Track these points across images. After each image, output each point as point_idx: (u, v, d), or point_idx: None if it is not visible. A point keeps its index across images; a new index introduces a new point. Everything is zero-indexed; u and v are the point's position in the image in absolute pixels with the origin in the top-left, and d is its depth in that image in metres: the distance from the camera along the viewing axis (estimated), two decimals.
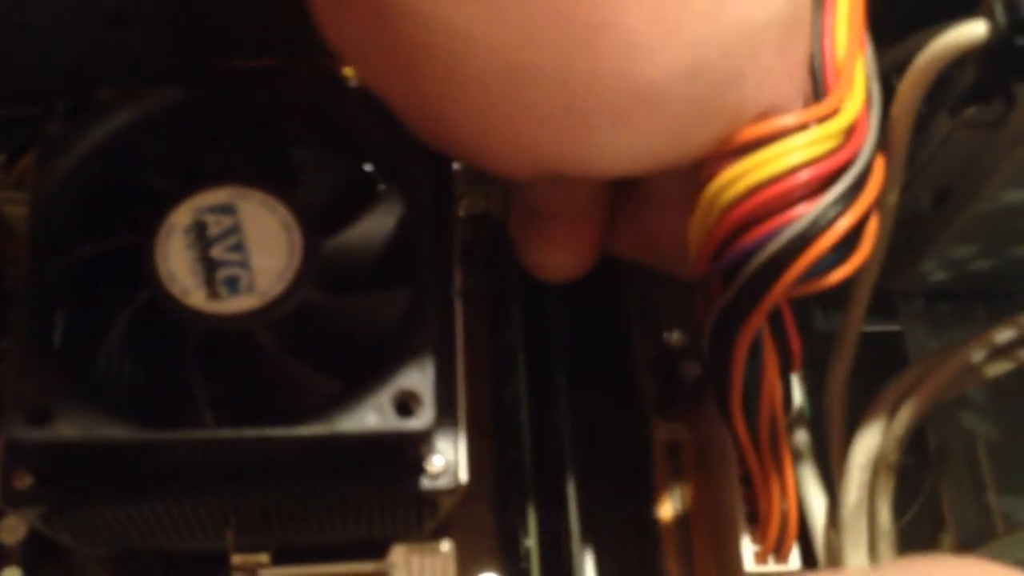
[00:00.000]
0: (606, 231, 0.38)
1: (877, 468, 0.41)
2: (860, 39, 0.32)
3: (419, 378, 0.33)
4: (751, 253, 0.31)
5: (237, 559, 0.38)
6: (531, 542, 0.42)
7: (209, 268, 0.33)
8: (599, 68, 0.28)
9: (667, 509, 0.43)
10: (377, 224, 0.35)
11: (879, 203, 0.34)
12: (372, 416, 0.32)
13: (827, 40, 0.31)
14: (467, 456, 0.35)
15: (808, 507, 0.42)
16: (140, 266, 0.33)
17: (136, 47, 0.41)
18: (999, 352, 0.42)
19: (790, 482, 0.38)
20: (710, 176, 0.32)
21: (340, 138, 0.36)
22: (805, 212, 0.31)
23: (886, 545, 0.40)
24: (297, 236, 0.34)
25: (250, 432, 0.32)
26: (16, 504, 0.33)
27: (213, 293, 0.33)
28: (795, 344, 0.35)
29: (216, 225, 0.34)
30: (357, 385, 0.33)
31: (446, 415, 0.34)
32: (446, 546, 0.40)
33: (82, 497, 0.33)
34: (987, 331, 0.41)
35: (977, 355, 0.41)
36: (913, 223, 0.43)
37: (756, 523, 0.40)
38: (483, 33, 0.28)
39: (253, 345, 0.33)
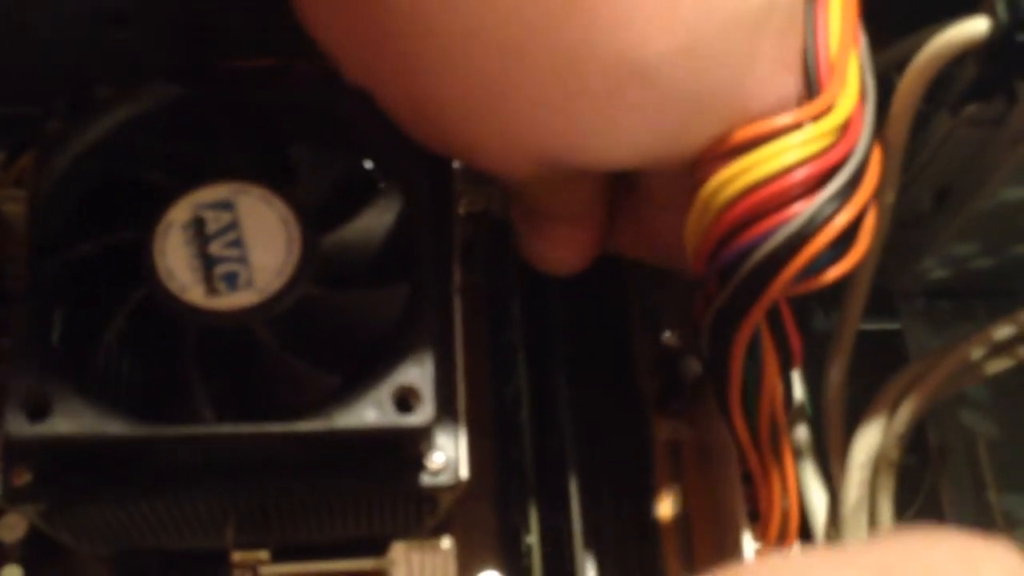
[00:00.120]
0: (606, 229, 0.38)
1: (878, 466, 0.41)
2: (853, 35, 0.32)
3: (418, 374, 0.33)
4: (748, 252, 0.32)
5: (237, 556, 0.38)
6: (532, 539, 0.42)
7: (208, 264, 0.33)
8: (593, 40, 0.28)
9: (668, 507, 0.43)
10: (376, 221, 0.35)
11: (876, 201, 0.34)
12: (372, 412, 0.32)
13: (820, 36, 0.31)
14: (467, 453, 0.35)
15: (809, 505, 0.42)
16: (139, 263, 0.33)
17: (136, 46, 0.41)
18: (999, 350, 0.42)
19: (791, 480, 0.38)
20: (705, 176, 0.32)
21: (339, 135, 0.36)
22: (801, 210, 0.31)
23: None
24: (296, 232, 0.34)
25: (249, 428, 0.32)
26: (15, 501, 0.33)
27: (212, 289, 0.33)
28: (795, 342, 0.35)
29: (215, 221, 0.34)
30: (356, 381, 0.33)
31: (446, 412, 0.34)
32: (446, 543, 0.40)
33: (81, 494, 0.33)
34: (987, 329, 0.41)
35: (977, 353, 0.41)
36: (913, 221, 0.43)
37: (757, 521, 0.40)
38: (478, 7, 0.28)
39: (252, 341, 0.33)
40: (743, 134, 0.31)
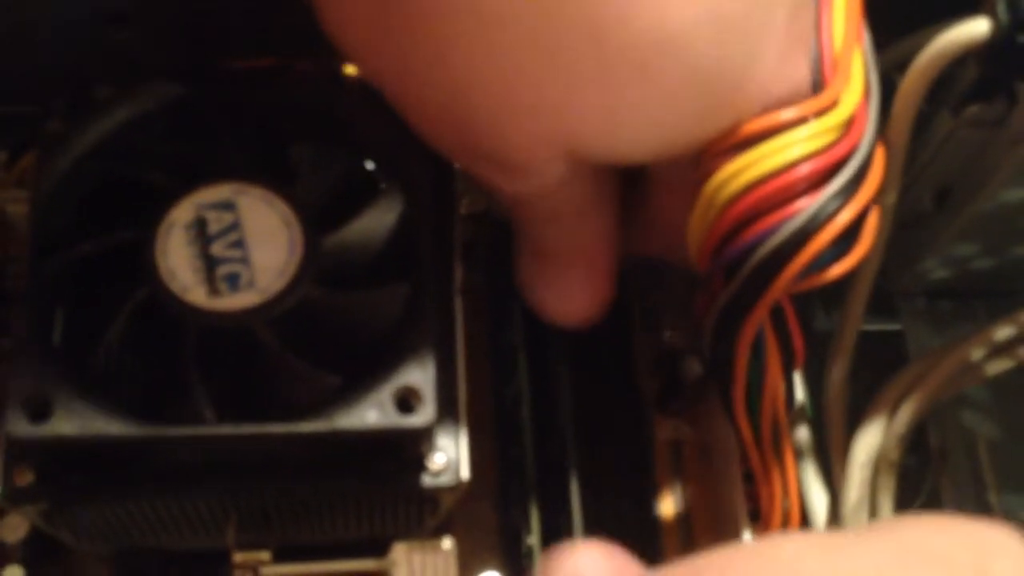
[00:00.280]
0: (615, 274, 0.38)
1: (878, 466, 0.41)
2: (857, 31, 0.32)
3: (420, 375, 0.33)
4: (752, 248, 0.32)
5: (238, 557, 0.38)
6: (533, 540, 0.42)
7: (209, 265, 0.33)
8: (622, 13, 0.28)
9: (669, 507, 0.43)
10: (377, 221, 0.35)
11: (879, 201, 0.34)
12: (373, 413, 0.32)
13: (824, 32, 0.31)
14: (468, 453, 0.35)
15: (810, 505, 0.42)
16: (140, 263, 0.33)
17: (136, 46, 0.41)
18: (1000, 350, 0.42)
19: (792, 479, 0.38)
20: (710, 172, 0.32)
21: (341, 135, 0.36)
22: (806, 206, 0.31)
23: None
24: (297, 233, 0.34)
25: (250, 429, 0.32)
26: (17, 501, 0.33)
27: (213, 290, 0.33)
28: (797, 341, 0.35)
29: (216, 222, 0.34)
30: (358, 382, 0.33)
31: (447, 412, 0.34)
32: (447, 544, 0.40)
33: (83, 494, 0.33)
34: (988, 329, 0.41)
35: (978, 353, 0.41)
36: (914, 222, 0.43)
37: (758, 520, 0.40)
38: None
39: (253, 342, 0.33)
40: (748, 128, 0.31)
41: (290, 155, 0.36)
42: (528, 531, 0.42)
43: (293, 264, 0.33)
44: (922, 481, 0.44)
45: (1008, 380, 0.42)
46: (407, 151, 0.35)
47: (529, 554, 0.41)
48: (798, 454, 0.42)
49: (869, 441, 0.41)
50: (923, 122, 0.38)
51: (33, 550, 0.39)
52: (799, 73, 0.31)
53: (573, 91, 0.30)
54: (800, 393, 0.43)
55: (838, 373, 0.41)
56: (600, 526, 0.42)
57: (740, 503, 0.41)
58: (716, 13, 0.29)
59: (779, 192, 0.31)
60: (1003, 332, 0.41)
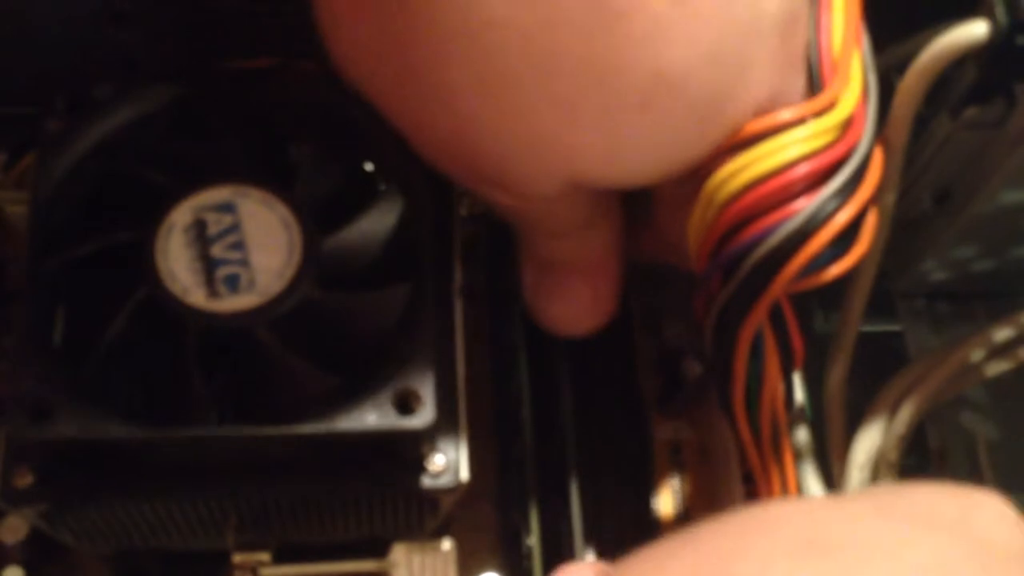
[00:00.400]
0: (620, 284, 0.38)
1: (878, 467, 0.41)
2: (856, 32, 0.32)
3: (419, 376, 0.33)
4: (751, 248, 0.32)
5: (238, 558, 0.38)
6: (533, 541, 0.42)
7: (209, 266, 0.33)
8: (625, 52, 0.29)
9: (669, 507, 0.43)
10: (377, 222, 0.35)
11: (877, 202, 0.34)
12: (372, 414, 0.32)
13: (823, 34, 0.32)
14: (468, 454, 0.35)
15: None
16: (140, 264, 0.33)
17: (136, 47, 0.41)
18: (999, 351, 0.42)
19: (791, 480, 0.38)
20: (708, 172, 0.32)
21: (340, 136, 0.36)
22: (804, 206, 0.31)
23: None
24: (297, 234, 0.34)
25: (250, 430, 0.32)
26: (16, 502, 0.33)
27: (213, 291, 0.33)
28: (797, 342, 0.35)
29: (216, 223, 0.34)
30: (357, 383, 0.33)
31: (447, 413, 0.34)
32: (447, 545, 0.40)
33: (83, 495, 0.33)
34: (987, 330, 0.41)
35: (977, 354, 0.41)
36: (913, 223, 0.43)
37: None
38: (516, 19, 0.28)
39: (253, 343, 0.33)
40: (746, 129, 0.31)
41: (290, 156, 0.36)
42: (528, 532, 0.42)
43: (293, 266, 0.33)
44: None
45: (1007, 381, 0.42)
46: (407, 152, 0.35)
47: (529, 555, 0.41)
48: (797, 455, 0.42)
49: (868, 442, 0.41)
50: (922, 124, 0.38)
51: (33, 551, 0.39)
52: (795, 89, 0.32)
53: (576, 129, 0.31)
54: (799, 394, 0.43)
55: (838, 374, 0.41)
56: (600, 527, 0.42)
57: (740, 503, 0.41)
58: (713, 50, 0.29)
59: (777, 192, 0.31)
60: (1002, 333, 0.41)
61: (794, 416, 0.42)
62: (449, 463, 0.34)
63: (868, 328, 0.41)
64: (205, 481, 0.34)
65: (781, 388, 0.36)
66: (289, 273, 0.33)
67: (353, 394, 0.32)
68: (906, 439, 0.41)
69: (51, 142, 0.35)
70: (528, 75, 0.29)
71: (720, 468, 0.43)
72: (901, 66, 0.36)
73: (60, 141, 0.35)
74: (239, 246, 0.33)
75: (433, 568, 0.39)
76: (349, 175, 0.36)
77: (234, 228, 0.34)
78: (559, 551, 0.42)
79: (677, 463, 0.44)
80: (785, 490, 0.38)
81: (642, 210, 0.37)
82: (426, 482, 0.34)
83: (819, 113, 0.31)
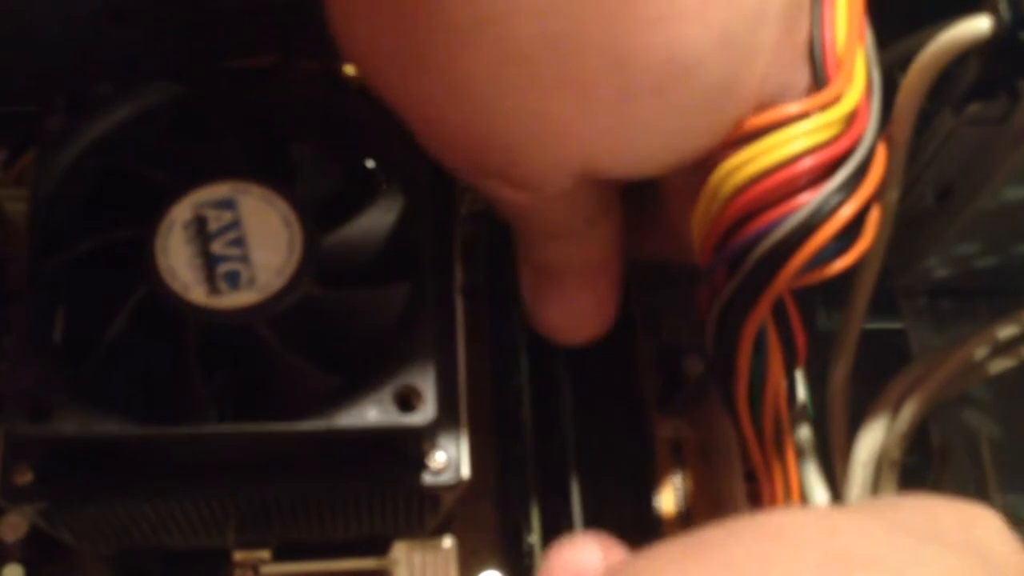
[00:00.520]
0: (620, 289, 0.38)
1: (880, 465, 0.40)
2: (860, 27, 0.32)
3: (420, 373, 0.33)
4: (755, 242, 0.32)
5: (238, 556, 0.38)
6: (534, 539, 0.42)
7: (209, 263, 0.33)
8: (640, 35, 0.29)
9: (670, 505, 0.43)
10: (378, 220, 0.35)
11: (881, 199, 0.34)
12: (373, 411, 0.32)
13: (827, 28, 0.32)
14: (469, 452, 0.35)
15: (812, 503, 0.41)
16: (140, 261, 0.33)
17: (137, 45, 0.41)
18: (1002, 349, 0.42)
19: (794, 478, 0.38)
20: (713, 165, 0.32)
21: (341, 134, 0.36)
22: (808, 200, 0.31)
23: None
24: (297, 231, 0.34)
25: (250, 428, 0.32)
26: (16, 500, 0.33)
27: (213, 288, 0.33)
28: (800, 339, 0.35)
29: (216, 220, 0.34)
30: (358, 380, 0.33)
31: (447, 411, 0.34)
32: (448, 543, 0.40)
33: (82, 493, 0.33)
34: (990, 328, 0.41)
35: (980, 352, 0.41)
36: (916, 220, 0.43)
37: None
38: (535, 2, 0.28)
39: (254, 340, 0.32)
40: (751, 123, 0.31)
41: (290, 153, 0.36)
42: (529, 530, 0.42)
43: (293, 263, 0.33)
44: (924, 480, 0.44)
45: (1010, 379, 0.42)
46: (408, 150, 0.35)
47: (530, 553, 0.41)
48: (800, 453, 0.42)
49: (871, 440, 0.41)
50: (925, 120, 0.38)
51: (33, 549, 0.39)
52: (800, 83, 0.32)
53: (590, 116, 0.31)
54: (802, 391, 0.43)
55: (840, 372, 0.41)
56: (600, 525, 0.42)
57: (741, 502, 0.41)
58: (724, 34, 0.29)
59: (782, 186, 0.31)
60: (1005, 331, 0.41)
61: (796, 414, 0.42)
62: (450, 460, 0.34)
63: (870, 326, 0.41)
64: (205, 479, 0.34)
65: (784, 385, 0.36)
66: (289, 270, 0.33)
67: (354, 391, 0.32)
68: (909, 437, 0.41)
69: (51, 140, 0.35)
70: (543, 61, 0.29)
71: (721, 467, 0.43)
72: (904, 62, 0.35)
73: (60, 139, 0.35)
74: (239, 243, 0.33)
75: (434, 566, 0.39)
76: (349, 173, 0.36)
77: (234, 225, 0.34)
78: None
79: (678, 461, 0.44)
80: (787, 488, 0.38)
81: (645, 205, 0.37)
82: (427, 479, 0.34)
83: (823, 107, 0.31)
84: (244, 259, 0.33)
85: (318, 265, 0.33)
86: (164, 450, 0.33)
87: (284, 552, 0.38)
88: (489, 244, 0.44)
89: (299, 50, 0.39)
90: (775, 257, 0.31)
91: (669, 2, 0.28)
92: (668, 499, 0.43)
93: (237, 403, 0.32)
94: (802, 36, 0.32)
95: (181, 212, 0.34)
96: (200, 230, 0.33)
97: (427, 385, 0.33)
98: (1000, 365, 0.42)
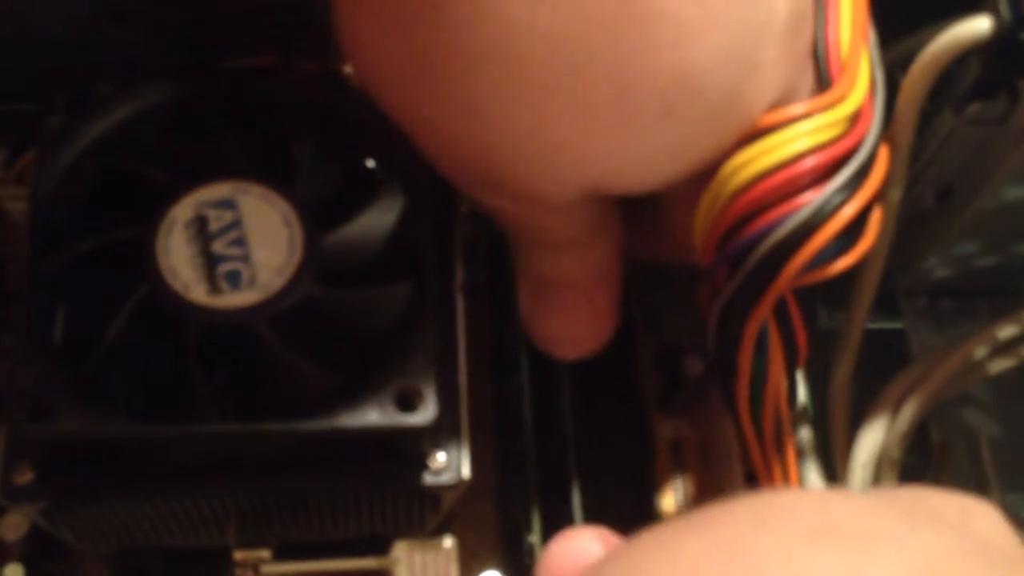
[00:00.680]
0: (619, 301, 0.38)
1: (880, 465, 0.40)
2: (864, 28, 0.32)
3: (421, 373, 0.33)
4: (757, 241, 0.32)
5: (239, 555, 0.38)
6: (534, 539, 0.42)
7: (210, 263, 0.33)
8: (649, 57, 0.29)
9: (670, 505, 0.43)
10: (378, 219, 0.35)
11: (883, 199, 0.34)
12: (374, 411, 0.32)
13: (831, 29, 0.32)
14: (470, 452, 0.35)
15: None
16: (141, 261, 0.33)
17: (136, 44, 0.41)
18: (1002, 349, 0.41)
19: (794, 478, 0.38)
20: (715, 169, 0.32)
21: (341, 133, 0.36)
22: (810, 199, 0.31)
23: None
24: (298, 231, 0.34)
25: (251, 427, 0.32)
26: (16, 499, 0.32)
27: (214, 288, 0.33)
28: (801, 338, 0.35)
29: (217, 220, 0.34)
30: (359, 380, 0.33)
31: (448, 410, 0.34)
32: (448, 542, 0.40)
33: (83, 493, 0.33)
34: (990, 327, 0.41)
35: (980, 352, 0.41)
36: (916, 220, 0.43)
37: None
38: (546, 28, 0.28)
39: (254, 340, 0.32)
40: (756, 124, 0.31)
41: (291, 153, 0.36)
42: (529, 530, 0.42)
43: (294, 262, 0.33)
44: (924, 480, 0.44)
45: (1010, 379, 0.42)
46: (408, 149, 0.35)
47: (530, 553, 0.41)
48: (800, 453, 0.42)
49: (871, 440, 0.41)
50: (925, 120, 0.38)
51: (33, 548, 0.39)
52: (804, 86, 0.32)
53: (597, 135, 0.31)
54: (802, 391, 0.43)
55: (842, 372, 0.41)
56: (601, 525, 0.42)
57: None
58: (730, 52, 0.30)
59: (784, 185, 0.31)
60: (1005, 331, 0.41)
61: (797, 414, 0.42)
62: (451, 460, 0.34)
63: (871, 326, 0.41)
64: (206, 479, 0.34)
65: (785, 385, 0.36)
66: (290, 270, 0.33)
67: (355, 391, 0.32)
68: (909, 437, 0.41)
69: (51, 140, 0.35)
70: (553, 84, 0.29)
71: (721, 467, 0.43)
72: (905, 62, 0.35)
73: (60, 139, 0.35)
74: (240, 242, 0.33)
75: (435, 566, 0.39)
76: (350, 172, 0.36)
77: (235, 224, 0.34)
78: None
79: (678, 461, 0.44)
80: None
81: (643, 207, 0.37)
82: (428, 479, 0.34)
83: (827, 108, 0.31)
84: (245, 259, 0.33)
85: (319, 265, 0.33)
86: (164, 449, 0.33)
87: (285, 551, 0.38)
88: (490, 244, 0.44)
89: (299, 50, 0.39)
90: (777, 256, 0.32)
91: (676, 26, 0.28)
92: (668, 499, 0.43)
93: (238, 403, 0.32)
94: (806, 42, 0.32)
95: (182, 212, 0.34)
96: (201, 230, 0.33)
97: (428, 385, 0.33)
98: (1000, 365, 0.42)
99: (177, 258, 0.33)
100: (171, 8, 0.41)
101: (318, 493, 0.35)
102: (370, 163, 0.37)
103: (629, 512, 0.43)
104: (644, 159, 0.32)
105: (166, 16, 0.41)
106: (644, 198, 0.37)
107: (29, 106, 0.37)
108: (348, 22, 0.32)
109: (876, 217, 0.32)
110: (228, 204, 0.34)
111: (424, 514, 0.37)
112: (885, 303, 0.46)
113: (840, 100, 0.31)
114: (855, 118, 0.31)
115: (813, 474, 0.42)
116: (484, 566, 0.41)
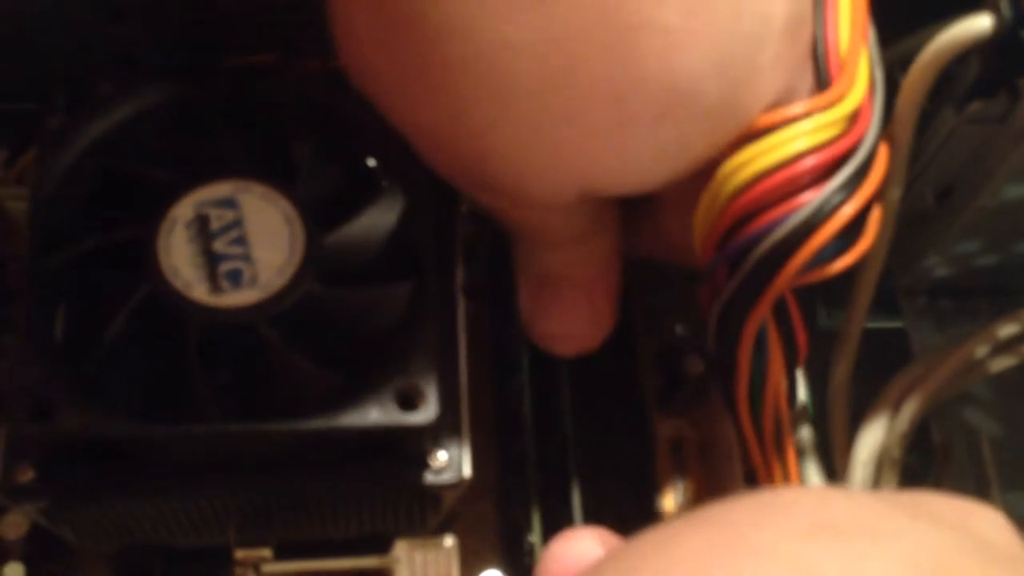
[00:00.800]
0: (618, 299, 0.39)
1: (881, 464, 0.40)
2: (863, 27, 0.32)
3: (422, 372, 0.33)
4: (756, 241, 0.32)
5: (240, 554, 0.38)
6: (535, 538, 0.42)
7: (211, 262, 0.33)
8: (640, 66, 0.29)
9: (671, 505, 0.43)
10: (379, 219, 0.35)
11: (883, 198, 0.34)
12: (375, 410, 0.32)
13: (830, 29, 0.32)
14: (470, 451, 0.35)
15: None
16: (142, 260, 0.33)
17: (137, 43, 0.41)
18: (1002, 347, 0.42)
19: (794, 478, 0.38)
20: (711, 171, 0.32)
21: (342, 133, 0.36)
22: (810, 199, 0.31)
23: None
24: (299, 230, 0.34)
25: (252, 426, 0.32)
26: (17, 498, 0.33)
27: (216, 287, 0.33)
28: (801, 338, 0.35)
29: (218, 219, 0.34)
30: (360, 379, 0.33)
31: (449, 410, 0.34)
32: (449, 541, 0.40)
33: (84, 492, 0.33)
34: (991, 327, 0.41)
35: (980, 351, 0.41)
36: (917, 219, 0.43)
37: None
38: (532, 41, 0.28)
39: (255, 339, 0.32)
40: (755, 123, 0.31)
41: (292, 152, 0.36)
42: (529, 529, 0.42)
43: (295, 261, 0.33)
44: (925, 479, 0.44)
45: (1011, 377, 0.42)
46: (408, 149, 0.35)
47: (531, 552, 0.41)
48: (800, 452, 0.42)
49: (872, 439, 0.41)
50: (925, 119, 0.38)
51: (34, 547, 0.39)
52: (804, 87, 0.32)
53: (590, 143, 0.31)
54: (802, 391, 0.43)
55: (842, 371, 0.41)
56: (601, 524, 0.42)
57: None
58: (723, 60, 0.30)
59: (784, 184, 0.31)
60: (1006, 329, 0.41)
61: (797, 413, 0.42)
62: (452, 459, 0.34)
63: (871, 325, 0.41)
64: (207, 478, 0.34)
65: (784, 384, 0.36)
66: (291, 269, 0.33)
67: (355, 390, 0.32)
68: (909, 436, 0.41)
69: (52, 139, 0.35)
70: (543, 94, 0.29)
71: (721, 466, 0.43)
72: (905, 61, 0.35)
73: (61, 138, 0.35)
74: (241, 241, 0.33)
75: (435, 565, 0.39)
76: (350, 172, 0.36)
77: (236, 223, 0.34)
78: None
79: (678, 461, 0.44)
80: None
81: (643, 212, 0.37)
82: (429, 478, 0.34)
83: (826, 107, 0.31)
84: (246, 258, 0.33)
85: (320, 264, 0.33)
86: (165, 449, 0.33)
87: (285, 550, 0.38)
88: (491, 243, 0.44)
89: (300, 49, 0.39)
90: (776, 256, 0.31)
91: (665, 35, 0.28)
92: (668, 499, 0.43)
93: (239, 402, 0.32)
94: (805, 44, 0.32)
95: (183, 211, 0.34)
96: (202, 229, 0.33)
97: (429, 384, 0.33)
98: (1001, 364, 0.42)
99: (178, 257, 0.33)
100: (171, 7, 0.40)
101: (319, 492, 0.35)
102: (371, 163, 0.36)
103: (629, 512, 0.43)
104: (638, 162, 0.32)
105: (166, 15, 0.41)
106: (641, 199, 0.37)
107: (29, 106, 0.37)
108: (342, 30, 0.32)
109: (875, 216, 0.32)
110: (229, 203, 0.34)
111: (425, 513, 0.37)
112: (885, 302, 0.46)
113: (839, 99, 0.31)
114: (854, 117, 0.31)
115: (813, 474, 0.42)
116: (485, 565, 0.41)
